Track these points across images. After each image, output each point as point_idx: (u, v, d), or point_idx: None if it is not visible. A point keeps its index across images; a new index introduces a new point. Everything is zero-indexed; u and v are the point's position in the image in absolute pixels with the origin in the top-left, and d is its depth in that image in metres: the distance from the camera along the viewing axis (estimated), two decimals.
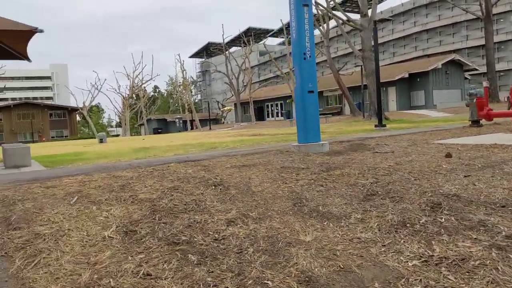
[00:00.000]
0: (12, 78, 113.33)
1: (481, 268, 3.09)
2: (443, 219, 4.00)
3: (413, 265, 3.20)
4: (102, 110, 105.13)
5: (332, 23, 43.67)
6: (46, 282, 3.02)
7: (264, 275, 3.03)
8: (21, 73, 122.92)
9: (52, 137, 66.80)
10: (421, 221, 3.96)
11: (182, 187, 5.16)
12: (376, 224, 3.94)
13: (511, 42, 52.04)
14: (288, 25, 55.72)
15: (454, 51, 52.13)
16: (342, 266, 3.17)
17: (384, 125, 17.04)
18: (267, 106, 61.54)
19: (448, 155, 6.76)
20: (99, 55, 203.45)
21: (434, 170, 5.79)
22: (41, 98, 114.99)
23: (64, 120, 70.97)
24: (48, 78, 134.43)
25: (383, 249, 3.47)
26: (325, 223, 4.03)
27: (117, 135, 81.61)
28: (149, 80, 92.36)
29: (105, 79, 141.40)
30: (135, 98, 74.48)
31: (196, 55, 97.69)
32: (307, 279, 2.98)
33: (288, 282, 2.95)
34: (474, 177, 5.34)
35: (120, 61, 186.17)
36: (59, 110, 72.07)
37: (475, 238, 3.58)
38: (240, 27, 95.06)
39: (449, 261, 3.22)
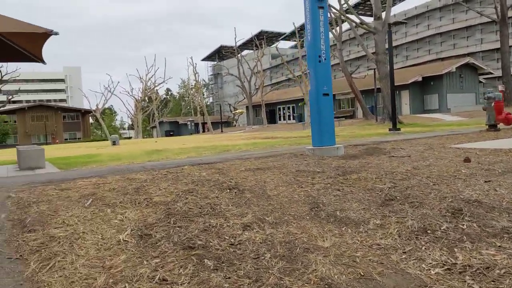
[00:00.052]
0: (27, 81, 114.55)
1: (506, 277, 2.98)
2: (465, 226, 3.89)
3: (436, 273, 3.11)
4: (115, 112, 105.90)
5: (344, 26, 43.52)
6: (61, 286, 2.98)
7: (282, 282, 2.95)
8: (35, 75, 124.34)
9: (65, 139, 67.40)
10: (442, 228, 3.86)
11: (196, 190, 5.11)
12: (396, 230, 3.85)
13: None
14: (300, 28, 55.69)
15: (468, 54, 51.55)
16: (362, 274, 3.08)
17: (399, 129, 16.86)
18: (279, 109, 61.42)
19: (467, 160, 6.62)
20: (112, 58, 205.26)
21: (453, 175, 5.67)
22: (55, 100, 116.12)
23: (77, 122, 71.57)
24: (62, 80, 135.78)
25: (404, 256, 3.38)
26: (343, 229, 3.95)
27: (129, 138, 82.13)
28: (161, 83, 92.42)
29: (118, 82, 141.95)
30: (147, 100, 74.88)
31: (208, 58, 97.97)
32: (326, 286, 2.90)
33: None
34: (495, 183, 5.21)
35: (133, 64, 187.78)
36: (72, 113, 72.73)
37: (499, 246, 3.48)
38: (252, 30, 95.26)
39: (473, 270, 3.12)
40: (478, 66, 44.51)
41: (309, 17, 8.01)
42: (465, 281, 2.96)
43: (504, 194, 4.71)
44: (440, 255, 3.37)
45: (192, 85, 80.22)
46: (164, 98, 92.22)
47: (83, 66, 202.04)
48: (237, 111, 73.14)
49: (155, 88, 70.91)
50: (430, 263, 3.25)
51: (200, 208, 4.48)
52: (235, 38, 66.15)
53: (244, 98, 67.21)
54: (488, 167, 6.16)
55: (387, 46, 26.78)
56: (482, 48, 53.52)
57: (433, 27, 59.23)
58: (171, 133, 72.88)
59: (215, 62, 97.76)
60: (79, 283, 3.01)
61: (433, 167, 6.17)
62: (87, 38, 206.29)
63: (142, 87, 68.20)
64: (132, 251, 3.52)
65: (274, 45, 75.19)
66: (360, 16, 34.15)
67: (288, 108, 59.49)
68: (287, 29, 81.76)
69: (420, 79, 41.88)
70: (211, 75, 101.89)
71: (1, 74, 73.09)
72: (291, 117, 58.17)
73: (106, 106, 76.21)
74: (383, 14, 27.70)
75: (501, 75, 38.98)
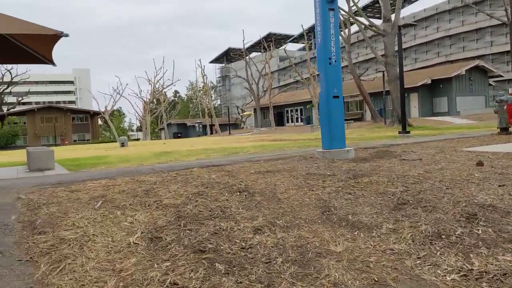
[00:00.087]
0: (36, 83, 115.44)
1: None
2: (480, 231, 3.82)
3: (451, 279, 3.04)
4: (124, 114, 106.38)
5: (352, 28, 43.38)
6: None
7: (294, 287, 2.91)
8: (45, 77, 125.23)
9: (74, 141, 67.73)
10: (456, 233, 3.79)
11: (206, 192, 5.07)
12: (410, 234, 3.79)
13: None
14: (308, 31, 55.59)
15: (478, 57, 51.14)
16: (376, 279, 3.02)
17: (408, 132, 16.74)
18: (287, 111, 61.32)
19: (480, 164, 6.53)
20: (121, 60, 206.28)
21: (466, 179, 5.59)
22: (64, 102, 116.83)
23: (86, 124, 71.90)
24: (71, 82, 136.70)
25: (418, 262, 3.32)
26: (355, 233, 3.89)
27: (138, 139, 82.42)
28: (170, 85, 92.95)
29: (127, 84, 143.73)
30: (155, 102, 75.09)
31: (216, 60, 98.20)
32: None
33: None
34: (509, 187, 5.12)
35: (142, 66, 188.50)
36: (81, 114, 73.06)
37: None
38: (260, 32, 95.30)
39: (490, 276, 3.05)
40: (488, 68, 44.17)
41: (319, 19, 7.96)
42: None
43: None
44: (456, 260, 3.31)
45: (200, 87, 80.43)
46: (172, 100, 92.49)
47: (92, 68, 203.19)
48: (245, 113, 73.16)
49: (164, 90, 71.12)
50: (446, 269, 3.19)
51: (210, 211, 4.45)
52: (243, 40, 66.29)
53: (252, 100, 67.22)
54: (502, 171, 6.07)
55: (396, 48, 26.67)
56: (492, 51, 53.11)
57: (442, 29, 58.88)
58: (179, 135, 73.04)
59: (223, 64, 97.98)
60: (90, 286, 2.98)
61: (445, 171, 6.09)
62: (97, 40, 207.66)
63: (151, 89, 68.40)
64: (142, 254, 3.49)
65: (282, 47, 75.21)
66: (369, 19, 33.99)
67: (296, 110, 59.39)
68: (295, 31, 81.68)
69: (429, 81, 41.62)
70: (219, 77, 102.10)
71: (12, 75, 73.81)
72: (299, 120, 58.05)
73: (115, 108, 76.58)
74: (392, 16, 27.56)
75: (511, 77, 38.65)
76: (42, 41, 7.70)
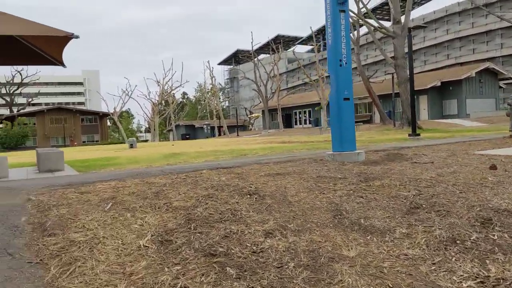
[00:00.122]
0: (46, 84, 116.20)
1: None
2: (495, 236, 3.75)
3: (468, 286, 2.98)
4: (132, 115, 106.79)
5: (361, 30, 43.21)
6: None
7: None
8: (54, 78, 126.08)
9: (83, 142, 68.06)
10: (471, 238, 3.72)
11: (216, 195, 5.03)
12: (424, 239, 3.72)
13: None
14: (317, 33, 55.37)
15: (488, 59, 50.71)
16: (391, 286, 2.97)
17: (418, 134, 16.59)
18: (295, 113, 61.22)
19: (493, 167, 6.44)
20: (130, 62, 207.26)
21: (479, 183, 5.50)
22: (73, 103, 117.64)
23: (95, 125, 72.27)
24: (81, 84, 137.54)
25: (433, 268, 3.26)
26: (368, 238, 3.83)
27: (146, 141, 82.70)
28: (178, 86, 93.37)
29: (136, 85, 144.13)
30: (164, 104, 75.30)
31: (225, 62, 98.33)
32: None
33: None
34: None
35: (150, 68, 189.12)
36: (90, 115, 73.45)
37: None
38: (269, 34, 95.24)
39: (508, 283, 2.99)
40: (498, 71, 43.80)
41: (330, 21, 7.90)
42: None
43: None
44: (472, 267, 3.24)
45: (208, 89, 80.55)
46: (181, 101, 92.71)
47: (101, 70, 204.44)
48: (253, 115, 73.16)
49: (172, 92, 71.33)
50: (462, 276, 3.12)
51: (220, 213, 4.41)
52: (251, 42, 66.48)
53: (260, 102, 67.16)
54: None
55: (406, 50, 26.50)
56: (502, 53, 52.67)
57: (452, 31, 58.51)
58: (187, 136, 73.17)
59: (232, 66, 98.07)
60: None
61: (458, 174, 6.00)
62: (107, 42, 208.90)
63: (159, 90, 68.65)
64: (152, 257, 3.46)
65: (291, 49, 75.17)
66: (378, 20, 33.83)
67: (304, 112, 59.27)
68: (304, 33, 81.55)
69: (439, 84, 41.34)
70: (227, 79, 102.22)
71: (22, 77, 74.46)
72: (307, 121, 57.93)
73: (124, 109, 76.85)
74: (402, 18, 27.41)
75: None
76: (52, 42, 7.71)
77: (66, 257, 3.47)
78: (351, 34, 34.33)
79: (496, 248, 3.51)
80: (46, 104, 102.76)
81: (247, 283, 3.00)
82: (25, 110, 74.98)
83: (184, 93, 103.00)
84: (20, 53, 8.44)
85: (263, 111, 65.71)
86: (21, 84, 75.37)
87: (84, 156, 16.21)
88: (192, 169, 7.48)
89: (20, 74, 74.36)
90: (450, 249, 3.53)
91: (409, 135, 16.86)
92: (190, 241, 3.72)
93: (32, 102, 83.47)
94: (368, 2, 39.44)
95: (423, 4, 68.02)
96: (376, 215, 4.38)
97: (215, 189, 5.33)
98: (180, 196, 5.03)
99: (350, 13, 30.04)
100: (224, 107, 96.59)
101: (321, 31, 73.02)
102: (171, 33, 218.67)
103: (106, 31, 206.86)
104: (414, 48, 57.05)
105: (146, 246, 3.65)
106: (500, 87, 45.44)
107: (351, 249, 3.57)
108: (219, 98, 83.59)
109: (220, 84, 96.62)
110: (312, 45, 61.38)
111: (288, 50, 78.26)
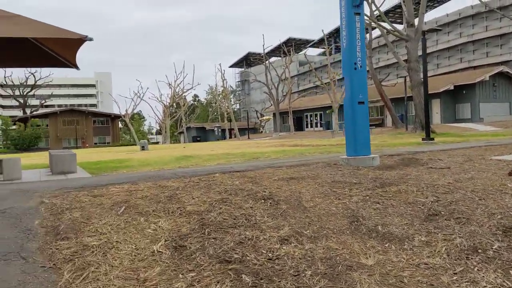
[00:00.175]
0: (59, 86, 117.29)
1: None
2: None
3: None
4: (143, 117, 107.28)
5: (373, 33, 42.97)
6: None
7: None
8: (67, 80, 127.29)
9: (95, 143, 68.49)
10: (493, 247, 3.61)
11: (230, 199, 4.97)
12: (444, 248, 3.62)
13: None
14: (329, 36, 55.12)
15: (502, 63, 50.11)
16: None
17: (432, 139, 16.39)
18: (306, 116, 61.05)
19: None
20: (142, 64, 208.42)
21: (498, 189, 5.37)
22: (86, 105, 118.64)
23: (107, 127, 72.70)
24: (93, 86, 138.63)
25: (455, 278, 3.16)
26: (386, 245, 3.74)
27: (157, 143, 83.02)
28: (189, 89, 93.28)
29: (148, 88, 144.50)
30: (175, 106, 75.51)
31: (236, 64, 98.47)
32: None
33: None
34: None
35: (162, 70, 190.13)
36: (102, 117, 73.94)
37: None
38: (280, 37, 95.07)
39: None
40: None
41: (345, 23, 7.81)
42: None
43: None
44: (495, 277, 3.14)
45: (219, 92, 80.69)
46: (192, 104, 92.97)
47: (113, 72, 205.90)
48: (264, 117, 73.09)
49: (183, 94, 71.51)
50: (485, 286, 3.02)
51: (234, 219, 4.34)
52: (263, 45, 66.42)
53: (271, 104, 67.08)
54: None
55: (419, 53, 26.26)
56: None
57: (465, 35, 57.93)
58: (198, 138, 73.31)
59: (243, 69, 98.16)
60: None
61: (476, 180, 5.87)
62: (119, 44, 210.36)
63: (171, 93, 68.84)
64: (166, 263, 3.40)
65: (302, 52, 74.97)
66: (391, 23, 33.60)
67: (316, 115, 59.07)
68: (315, 36, 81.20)
69: (452, 87, 40.94)
70: (238, 81, 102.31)
71: (35, 79, 75.24)
72: (319, 125, 57.72)
73: (135, 111, 77.19)
74: (416, 21, 27.18)
75: None
76: (66, 45, 7.72)
77: (79, 261, 3.43)
78: None
79: None
80: (59, 105, 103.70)
81: None
82: (38, 112, 75.75)
83: (195, 96, 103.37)
84: (34, 55, 8.46)
85: (274, 114, 65.63)
86: (34, 86, 76.14)
87: (96, 158, 16.25)
88: (204, 172, 7.43)
89: (34, 76, 75.16)
90: (471, 259, 3.43)
91: (423, 139, 16.67)
92: (204, 247, 3.65)
93: (45, 103, 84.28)
94: (381, 5, 39.13)
95: (436, 7, 67.52)
96: (394, 222, 4.28)
97: (229, 193, 5.27)
98: (193, 200, 4.97)
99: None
100: (235, 109, 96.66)
101: (333, 34, 72.75)
102: (183, 36, 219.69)
103: (118, 33, 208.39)
104: (427, 51, 56.60)
105: (160, 252, 3.60)
106: None
107: (369, 257, 3.48)
108: (230, 101, 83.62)
109: (231, 87, 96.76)
110: (323, 48, 61.14)
111: (300, 53, 78.10)
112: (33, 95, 79.74)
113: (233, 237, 3.85)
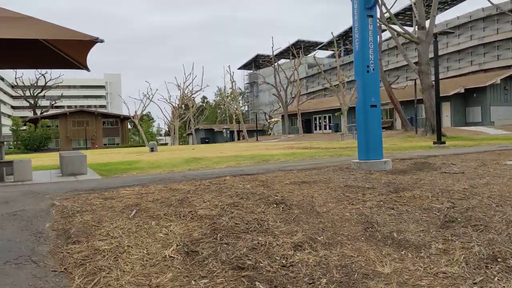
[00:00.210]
0: (69, 87, 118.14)
1: None
2: None
3: None
4: (152, 119, 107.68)
5: (383, 35, 42.74)
6: None
7: None
8: (77, 82, 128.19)
9: (104, 144, 68.82)
10: None
11: (242, 204, 4.91)
12: (462, 256, 3.53)
13: None
14: (338, 38, 55.01)
15: None
16: None
17: (444, 142, 16.22)
18: (315, 118, 60.91)
19: None
20: (151, 66, 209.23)
21: None
22: (95, 106, 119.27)
23: (116, 128, 72.99)
24: (102, 87, 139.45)
25: None
26: (402, 253, 3.65)
27: (166, 144, 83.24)
28: (198, 90, 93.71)
29: (157, 89, 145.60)
30: (184, 108, 75.72)
31: (245, 66, 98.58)
32: None
33: None
34: None
35: (171, 72, 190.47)
36: (111, 118, 74.26)
37: None
38: (289, 39, 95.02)
39: None
40: None
41: (357, 26, 7.73)
42: None
43: None
44: None
45: (228, 93, 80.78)
46: (201, 105, 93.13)
47: (123, 73, 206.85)
48: (272, 119, 73.03)
49: (192, 96, 71.70)
50: None
51: (246, 223, 4.28)
52: (272, 47, 66.54)
53: (280, 107, 67.02)
54: None
55: (430, 56, 26.06)
56: None
57: (476, 37, 57.46)
58: (207, 140, 73.44)
59: (252, 71, 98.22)
60: None
61: (492, 186, 5.76)
62: (128, 46, 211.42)
63: (180, 94, 69.05)
64: (178, 268, 3.35)
65: (311, 54, 74.87)
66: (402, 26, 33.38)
67: (324, 117, 58.91)
68: (324, 38, 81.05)
69: (462, 90, 40.63)
70: (247, 83, 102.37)
71: (46, 80, 75.83)
72: (327, 127, 57.55)
73: (144, 112, 77.55)
74: (427, 24, 26.98)
75: None
76: (77, 46, 7.72)
77: (90, 266, 3.38)
78: None
79: None
80: (69, 106, 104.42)
81: None
82: (48, 113, 76.33)
83: (204, 97, 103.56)
84: (45, 57, 8.48)
85: (282, 116, 65.57)
86: (44, 87, 76.75)
87: (105, 159, 16.28)
88: (215, 175, 7.38)
89: (44, 77, 75.75)
90: (491, 268, 3.34)
91: (434, 142, 16.51)
92: (217, 253, 3.60)
93: (55, 104, 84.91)
94: (392, 7, 38.91)
95: (446, 9, 67.10)
96: (409, 228, 4.19)
97: (240, 197, 5.21)
98: (204, 204, 4.92)
99: None
100: (244, 111, 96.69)
101: (342, 36, 72.57)
102: (193, 38, 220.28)
103: (128, 35, 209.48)
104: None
105: (172, 257, 3.54)
106: None
107: (386, 265, 3.40)
108: (239, 103, 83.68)
109: (240, 89, 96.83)
110: (332, 50, 60.96)
111: (309, 55, 78.00)
112: (44, 96, 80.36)
113: (246, 243, 3.79)
